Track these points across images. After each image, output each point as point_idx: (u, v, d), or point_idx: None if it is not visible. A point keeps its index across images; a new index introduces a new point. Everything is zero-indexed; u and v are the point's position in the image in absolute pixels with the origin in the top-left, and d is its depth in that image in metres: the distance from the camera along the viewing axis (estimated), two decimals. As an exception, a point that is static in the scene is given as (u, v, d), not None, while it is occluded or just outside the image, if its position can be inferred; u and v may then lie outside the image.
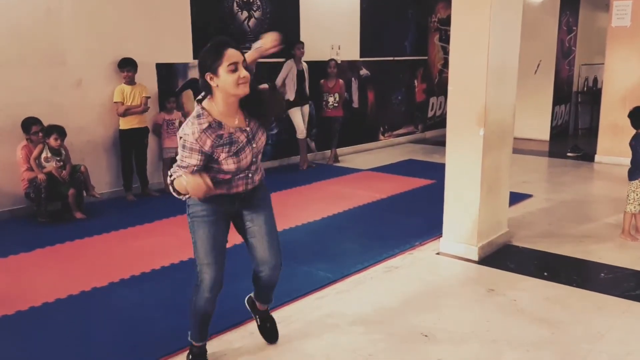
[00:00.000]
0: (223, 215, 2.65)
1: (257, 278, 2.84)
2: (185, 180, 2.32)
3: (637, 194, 4.50)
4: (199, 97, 2.55)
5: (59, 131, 5.30)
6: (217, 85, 2.42)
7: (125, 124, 5.90)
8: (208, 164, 2.47)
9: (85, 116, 5.80)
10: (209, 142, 2.41)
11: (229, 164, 2.48)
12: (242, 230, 2.77)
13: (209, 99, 2.50)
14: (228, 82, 2.39)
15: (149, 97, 6.04)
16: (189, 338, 2.84)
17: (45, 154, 5.27)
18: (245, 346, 3.01)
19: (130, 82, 5.88)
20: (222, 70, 2.38)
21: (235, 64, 2.38)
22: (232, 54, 2.38)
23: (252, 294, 3.05)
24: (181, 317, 3.31)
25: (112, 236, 4.81)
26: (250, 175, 2.62)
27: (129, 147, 5.99)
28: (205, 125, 2.42)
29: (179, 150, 2.45)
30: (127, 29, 6.04)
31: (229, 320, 3.24)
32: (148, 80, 6.21)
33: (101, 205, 5.70)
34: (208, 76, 2.42)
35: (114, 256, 4.35)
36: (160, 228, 5.04)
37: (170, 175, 2.44)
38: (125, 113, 5.86)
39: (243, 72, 2.40)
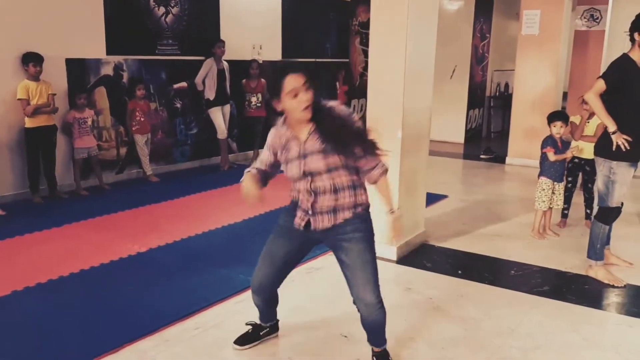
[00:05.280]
0: (297, 235, 2.64)
1: (360, 315, 2.66)
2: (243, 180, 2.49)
3: (542, 191, 4.73)
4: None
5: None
6: (282, 109, 2.49)
7: (32, 122, 5.53)
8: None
9: (-13, 113, 5.40)
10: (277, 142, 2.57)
11: (286, 170, 2.55)
12: (337, 258, 2.65)
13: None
14: (290, 108, 2.44)
15: (54, 95, 5.71)
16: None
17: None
18: (161, 354, 2.89)
19: (36, 78, 5.53)
20: (284, 97, 2.42)
21: (296, 90, 2.39)
22: (290, 81, 2.40)
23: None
24: (92, 327, 3.15)
25: (16, 241, 4.50)
26: (311, 208, 2.53)
27: (36, 146, 5.62)
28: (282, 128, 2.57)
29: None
30: (34, 21, 5.68)
31: (143, 328, 3.11)
32: (57, 76, 5.87)
33: (4, 209, 5.32)
34: (274, 101, 2.49)
35: (18, 263, 4.07)
36: (70, 232, 4.77)
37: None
38: (34, 113, 5.51)
39: (304, 97, 2.41)
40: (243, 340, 3.01)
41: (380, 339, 2.75)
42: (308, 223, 2.57)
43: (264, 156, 2.62)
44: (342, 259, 2.59)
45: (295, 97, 2.38)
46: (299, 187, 2.54)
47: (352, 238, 2.55)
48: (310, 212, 2.54)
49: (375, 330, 2.70)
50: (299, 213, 2.58)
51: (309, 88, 2.40)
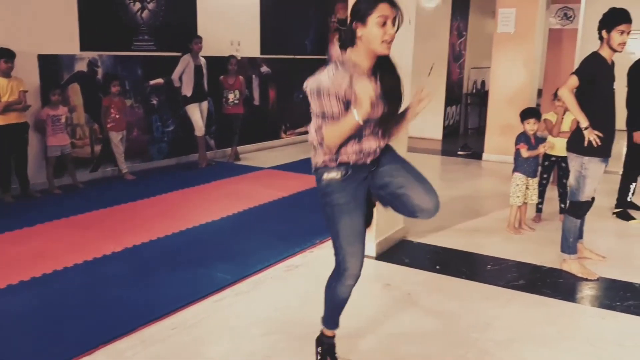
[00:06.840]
0: (361, 199, 2.49)
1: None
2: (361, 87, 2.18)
3: (516, 187, 4.79)
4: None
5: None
6: (361, 36, 2.32)
7: (2, 119, 5.40)
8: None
9: (-44, 110, 5.27)
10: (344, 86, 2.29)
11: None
12: (383, 191, 2.54)
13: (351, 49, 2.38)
14: (373, 34, 2.28)
15: (26, 91, 5.59)
16: (322, 325, 2.78)
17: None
18: (138, 355, 2.85)
19: (7, 74, 5.42)
20: (372, 20, 2.27)
21: (386, 17, 2.26)
22: (384, 7, 2.27)
23: None
24: (66, 328, 3.10)
25: (-13, 241, 4.41)
26: (374, 151, 2.45)
27: (7, 144, 5.49)
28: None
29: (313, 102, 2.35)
30: (5, 16, 5.56)
31: (119, 328, 3.07)
32: (29, 72, 5.76)
33: (-24, 208, 5.21)
34: (355, 25, 2.32)
35: (-11, 263, 3.99)
36: (43, 232, 4.68)
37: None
38: (5, 110, 5.39)
39: (390, 30, 2.28)
40: None
41: None
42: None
43: (333, 109, 2.30)
44: (391, 182, 2.52)
45: (383, 26, 2.27)
46: (366, 130, 2.39)
47: (387, 162, 2.54)
48: (372, 154, 2.45)
49: None
50: (360, 156, 2.43)
51: (395, 25, 2.31)
